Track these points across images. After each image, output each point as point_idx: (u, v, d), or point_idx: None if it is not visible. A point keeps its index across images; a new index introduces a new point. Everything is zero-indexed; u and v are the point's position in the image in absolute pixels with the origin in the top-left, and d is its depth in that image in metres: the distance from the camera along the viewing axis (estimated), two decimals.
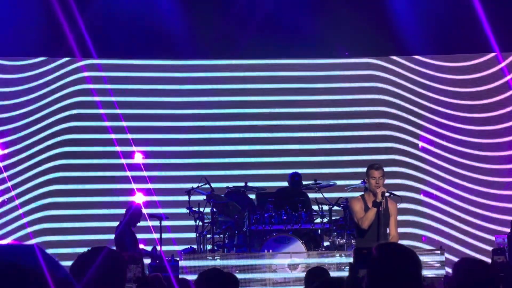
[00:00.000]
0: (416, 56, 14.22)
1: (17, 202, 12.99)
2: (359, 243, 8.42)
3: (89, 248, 3.83)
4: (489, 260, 9.98)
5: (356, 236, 8.75)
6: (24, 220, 13.08)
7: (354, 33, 13.69)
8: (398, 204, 9.05)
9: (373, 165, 8.54)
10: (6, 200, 12.73)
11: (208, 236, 11.45)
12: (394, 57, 14.24)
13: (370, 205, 8.43)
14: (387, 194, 8.60)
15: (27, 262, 1.73)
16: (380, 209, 8.35)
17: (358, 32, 13.69)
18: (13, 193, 13.08)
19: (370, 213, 8.32)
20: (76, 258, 3.75)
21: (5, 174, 13.09)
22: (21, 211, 13.04)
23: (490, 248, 11.44)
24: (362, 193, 9.00)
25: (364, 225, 8.34)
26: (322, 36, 13.70)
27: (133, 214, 11.30)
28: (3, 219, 13.25)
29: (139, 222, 11.35)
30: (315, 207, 11.57)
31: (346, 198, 11.29)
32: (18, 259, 1.74)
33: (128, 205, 11.68)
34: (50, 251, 9.40)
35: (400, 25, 13.51)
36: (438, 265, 10.64)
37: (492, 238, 12.51)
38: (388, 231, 8.60)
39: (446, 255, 10.94)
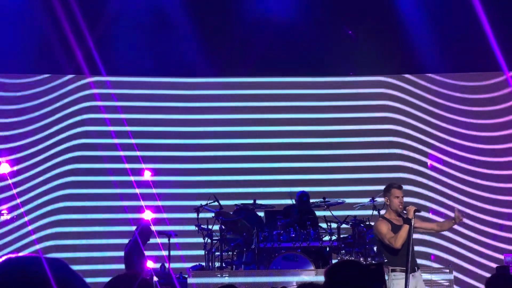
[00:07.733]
0: (428, 74, 14.23)
1: (26, 218, 13.00)
2: (393, 262, 8.08)
3: (122, 274, 3.84)
4: None
5: (388, 256, 8.34)
6: (34, 237, 13.08)
7: (365, 51, 13.73)
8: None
9: (393, 184, 8.32)
10: (15, 216, 12.72)
11: (217, 253, 11.45)
12: (405, 75, 14.26)
13: (396, 223, 8.14)
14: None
15: (33, 269, 1.79)
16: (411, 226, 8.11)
17: (369, 50, 13.72)
18: (22, 209, 13.08)
19: (403, 231, 7.92)
20: (108, 281, 3.75)
21: (14, 191, 13.11)
22: (30, 227, 13.05)
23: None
24: (379, 213, 8.87)
25: (398, 244, 7.94)
26: (333, 54, 13.74)
27: (142, 232, 11.25)
28: (13, 235, 13.26)
29: (148, 240, 11.30)
30: (323, 225, 11.55)
31: (355, 216, 11.28)
32: (25, 265, 1.80)
33: (138, 224, 11.66)
34: None
35: (412, 43, 13.53)
36: (447, 283, 10.61)
37: (501, 256, 12.47)
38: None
39: (455, 273, 10.90)
